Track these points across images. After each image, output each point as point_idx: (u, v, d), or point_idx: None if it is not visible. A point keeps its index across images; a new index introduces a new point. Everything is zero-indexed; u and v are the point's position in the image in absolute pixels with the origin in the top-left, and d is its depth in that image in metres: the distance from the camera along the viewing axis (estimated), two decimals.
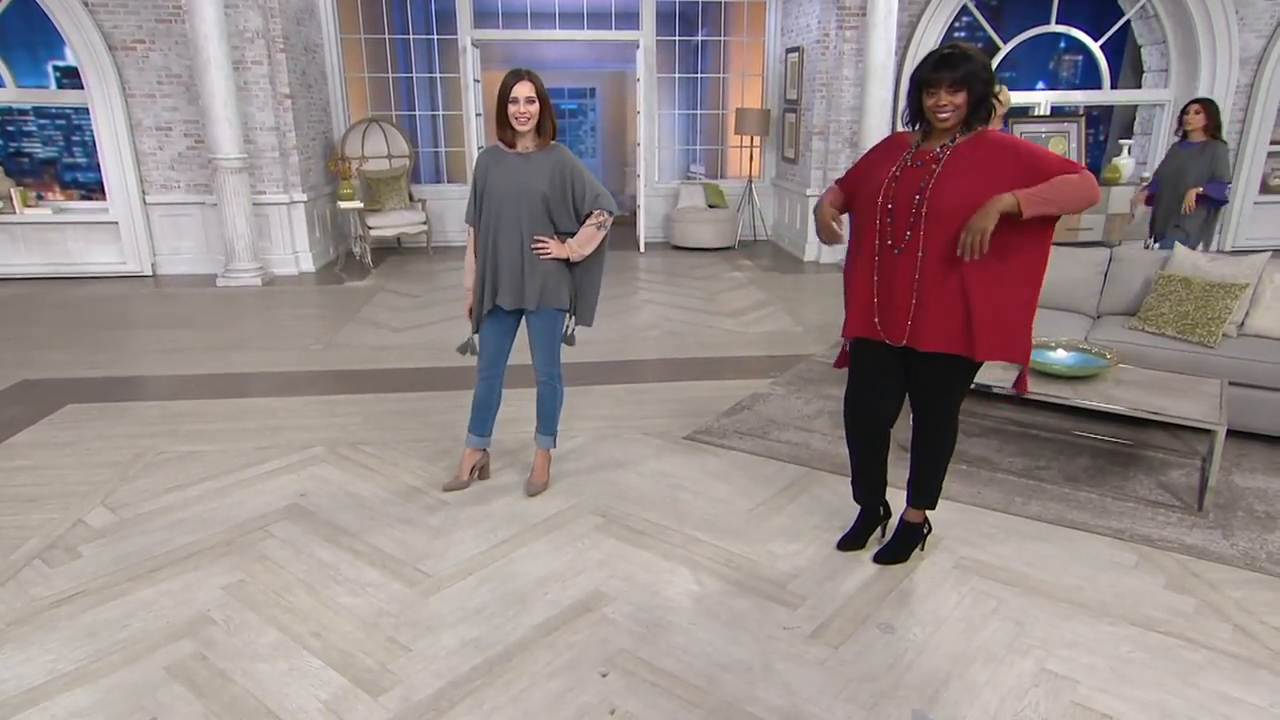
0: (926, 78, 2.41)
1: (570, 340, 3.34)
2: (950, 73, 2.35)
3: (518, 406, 3.99)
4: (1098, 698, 2.26)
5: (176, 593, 2.74)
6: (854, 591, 2.76)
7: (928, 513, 2.96)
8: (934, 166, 2.46)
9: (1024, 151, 2.41)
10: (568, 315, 3.29)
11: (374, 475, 3.61)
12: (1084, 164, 7.95)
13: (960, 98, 2.38)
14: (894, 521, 3.04)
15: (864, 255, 2.61)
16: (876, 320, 2.62)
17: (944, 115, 2.40)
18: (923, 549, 2.98)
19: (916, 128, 2.55)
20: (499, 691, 2.29)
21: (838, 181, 2.81)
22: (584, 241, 3.14)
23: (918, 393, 2.73)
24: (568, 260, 3.18)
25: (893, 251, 2.53)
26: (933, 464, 2.83)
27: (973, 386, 3.57)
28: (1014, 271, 2.46)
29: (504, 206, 3.10)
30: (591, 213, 3.14)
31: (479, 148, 8.79)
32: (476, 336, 3.35)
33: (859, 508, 3.04)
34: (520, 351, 3.37)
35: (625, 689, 2.30)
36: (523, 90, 2.97)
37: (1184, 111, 5.40)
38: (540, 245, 3.10)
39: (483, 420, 3.42)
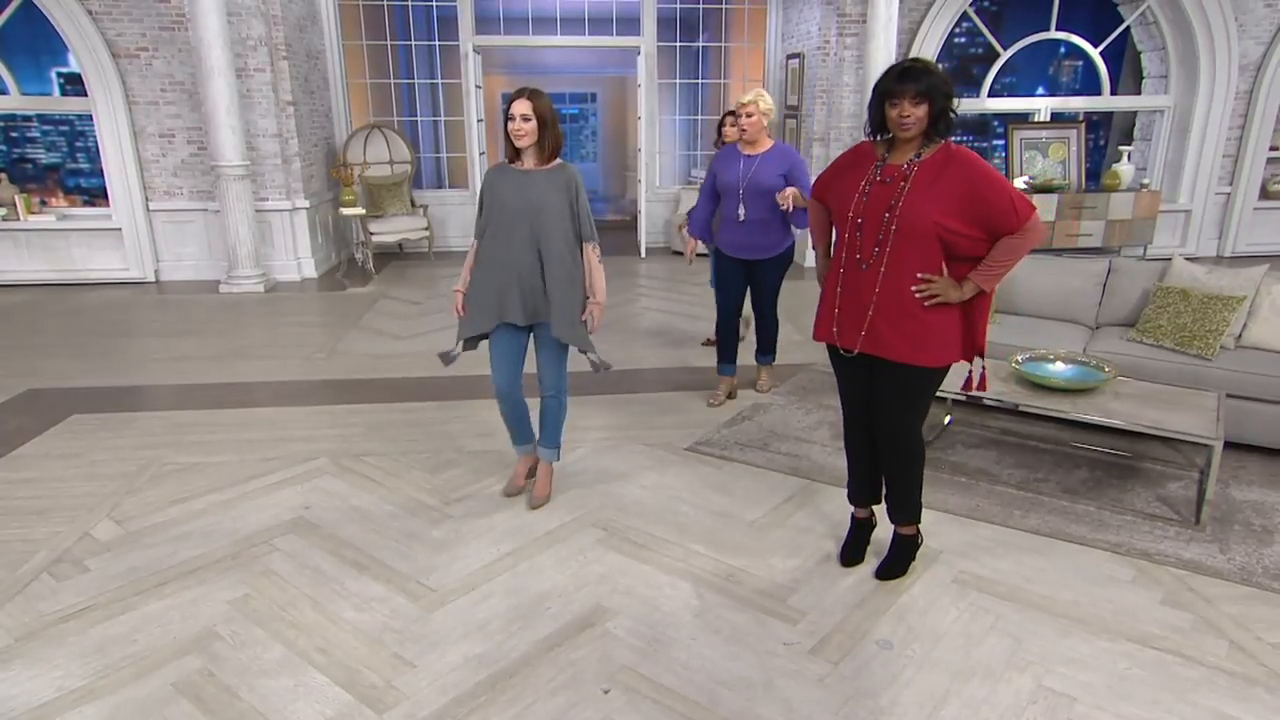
0: (890, 89, 2.47)
1: (602, 368, 3.36)
2: (914, 84, 2.42)
3: None
4: (1095, 715, 2.29)
5: (183, 607, 2.77)
6: (853, 606, 2.79)
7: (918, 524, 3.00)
8: (902, 184, 2.52)
9: (980, 189, 2.46)
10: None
11: (377, 487, 3.64)
12: (1085, 166, 8.00)
13: (922, 110, 2.45)
14: (882, 534, 3.07)
15: (835, 266, 2.72)
16: (835, 329, 2.72)
17: (906, 126, 2.47)
18: (913, 558, 3.00)
19: (879, 139, 2.61)
20: (502, 708, 2.31)
21: (814, 186, 2.88)
22: (601, 287, 3.25)
23: (875, 404, 2.76)
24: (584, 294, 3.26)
25: (860, 266, 2.61)
26: (904, 480, 2.87)
27: (965, 398, 3.61)
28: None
29: (514, 223, 3.11)
30: (584, 246, 3.20)
31: (480, 153, 8.83)
32: (460, 346, 3.33)
33: (854, 520, 3.09)
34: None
35: (627, 705, 2.32)
36: (519, 108, 3.00)
37: (721, 124, 5.32)
38: (588, 319, 3.25)
39: (522, 431, 3.49)
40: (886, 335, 2.60)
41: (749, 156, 4.25)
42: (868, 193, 2.58)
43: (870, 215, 2.56)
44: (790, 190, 4.12)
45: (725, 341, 4.61)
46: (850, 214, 2.60)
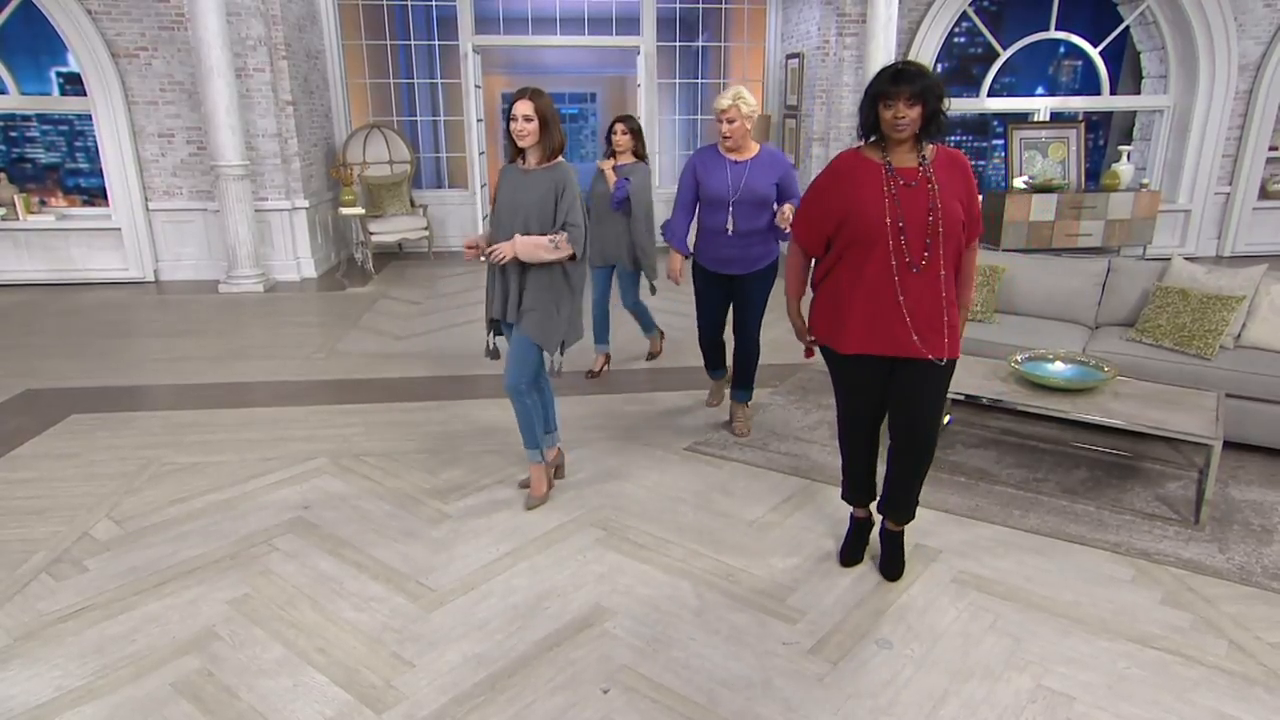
0: (884, 91, 2.47)
1: (555, 372, 3.35)
2: (909, 86, 2.43)
3: None
4: (1094, 715, 2.29)
5: (182, 607, 2.77)
6: (852, 606, 2.79)
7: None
8: (929, 186, 2.52)
9: (971, 193, 2.60)
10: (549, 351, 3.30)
11: (377, 487, 3.64)
12: (1084, 166, 8.01)
13: (916, 112, 2.46)
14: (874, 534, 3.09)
15: (870, 276, 2.59)
16: (915, 338, 2.60)
17: (901, 127, 2.47)
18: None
19: (870, 142, 2.61)
20: (501, 708, 2.31)
21: (800, 234, 2.79)
22: (529, 244, 3.08)
23: (907, 404, 2.74)
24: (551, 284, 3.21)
25: (910, 270, 2.56)
26: (916, 479, 2.86)
27: (964, 398, 3.62)
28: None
29: (505, 221, 3.18)
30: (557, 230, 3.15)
31: (480, 153, 8.83)
32: (491, 338, 3.43)
33: (853, 520, 3.10)
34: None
35: (626, 705, 2.32)
36: (520, 108, 3.04)
37: (611, 131, 4.81)
38: (493, 252, 3.11)
39: (544, 420, 3.51)
40: (954, 334, 2.66)
41: (737, 163, 3.79)
42: (896, 196, 2.53)
43: (911, 218, 2.52)
44: (789, 207, 3.70)
45: (710, 355, 4.33)
46: (889, 220, 2.52)
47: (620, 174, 4.74)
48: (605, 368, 5.19)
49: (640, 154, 4.83)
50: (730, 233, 3.81)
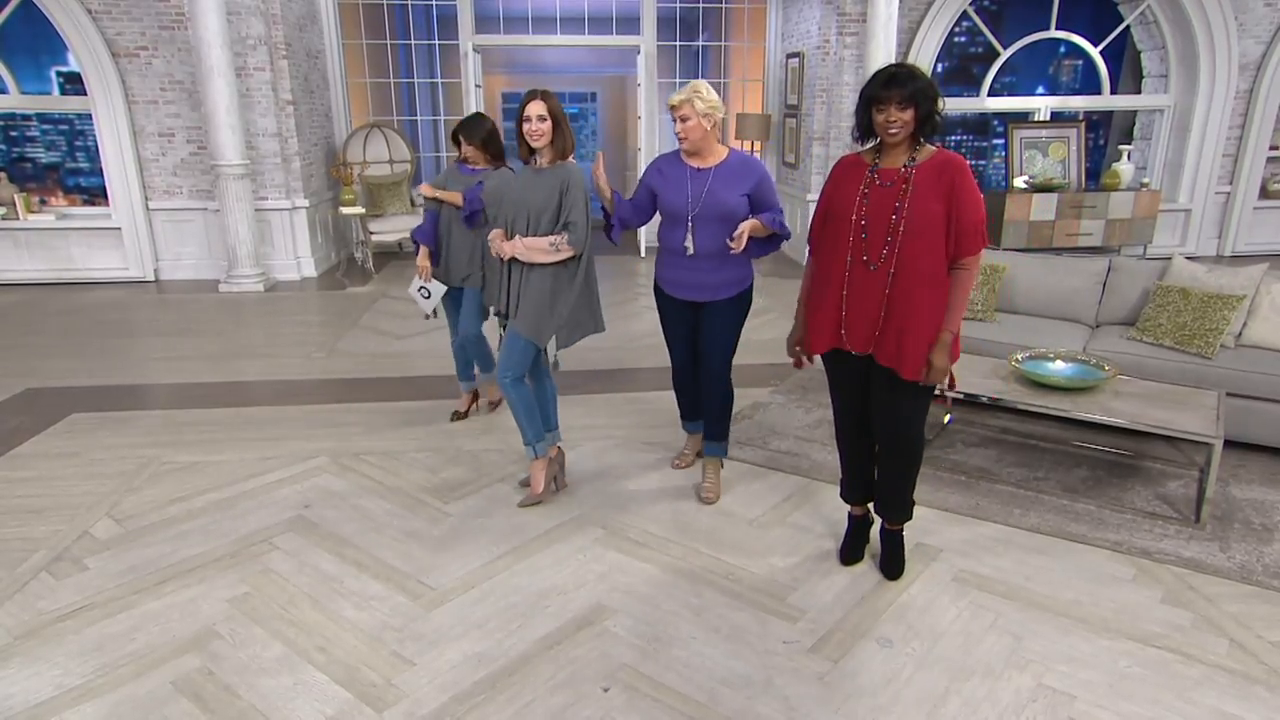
0: (877, 94, 2.50)
1: (555, 366, 3.37)
2: (900, 90, 2.45)
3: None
4: (1095, 713, 2.29)
5: (182, 606, 2.77)
6: (853, 605, 2.79)
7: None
8: (904, 186, 2.54)
9: (961, 197, 2.50)
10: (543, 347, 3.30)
11: (377, 486, 3.63)
12: (1085, 165, 8.01)
13: (909, 114, 2.48)
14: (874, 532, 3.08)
15: (828, 270, 2.69)
16: (843, 331, 2.69)
17: (894, 130, 2.51)
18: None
19: (867, 145, 2.65)
20: (501, 707, 2.31)
21: (810, 236, 2.82)
22: (530, 247, 3.17)
23: (879, 406, 2.75)
24: (551, 283, 3.22)
25: (867, 268, 2.60)
26: (904, 480, 2.86)
27: (963, 396, 3.61)
28: (946, 294, 2.58)
29: (512, 218, 3.23)
30: (556, 231, 3.18)
31: None
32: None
33: (851, 518, 3.09)
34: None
35: (626, 704, 2.32)
36: (534, 109, 3.10)
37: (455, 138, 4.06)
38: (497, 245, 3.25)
39: (544, 418, 3.50)
40: (907, 346, 2.57)
41: (698, 171, 3.22)
42: (868, 195, 2.59)
43: (874, 218, 2.57)
44: (746, 225, 3.06)
45: (684, 393, 3.71)
46: (854, 217, 2.61)
47: (479, 178, 3.98)
48: (474, 406, 4.47)
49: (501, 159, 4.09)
50: (690, 253, 3.24)
